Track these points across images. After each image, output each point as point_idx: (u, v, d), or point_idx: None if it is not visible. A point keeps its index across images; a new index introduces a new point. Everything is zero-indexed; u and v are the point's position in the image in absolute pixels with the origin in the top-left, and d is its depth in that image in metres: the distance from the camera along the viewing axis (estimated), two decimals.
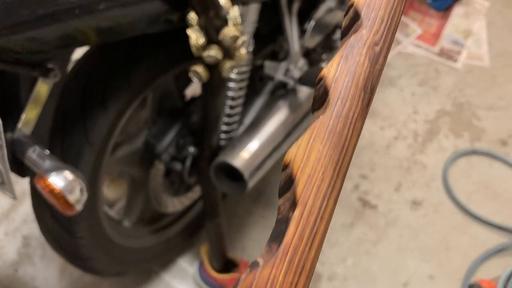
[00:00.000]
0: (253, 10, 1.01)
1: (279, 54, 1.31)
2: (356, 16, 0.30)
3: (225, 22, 0.83)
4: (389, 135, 1.76)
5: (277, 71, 1.19)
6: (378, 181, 1.64)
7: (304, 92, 1.21)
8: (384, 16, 0.31)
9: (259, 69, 1.27)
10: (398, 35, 2.03)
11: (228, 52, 0.85)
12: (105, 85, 0.92)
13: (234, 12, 0.83)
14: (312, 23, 1.29)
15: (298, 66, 1.20)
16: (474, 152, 1.72)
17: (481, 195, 1.63)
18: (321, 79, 0.30)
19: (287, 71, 1.19)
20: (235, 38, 0.82)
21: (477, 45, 2.03)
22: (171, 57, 1.00)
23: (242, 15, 1.01)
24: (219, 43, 0.83)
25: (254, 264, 0.21)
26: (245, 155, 1.03)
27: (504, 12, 2.15)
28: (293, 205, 0.25)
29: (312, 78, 1.16)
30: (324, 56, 1.44)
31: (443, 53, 1.99)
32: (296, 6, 1.18)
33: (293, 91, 1.22)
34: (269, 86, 1.26)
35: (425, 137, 1.76)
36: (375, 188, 1.63)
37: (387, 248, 1.50)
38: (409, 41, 2.02)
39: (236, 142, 1.07)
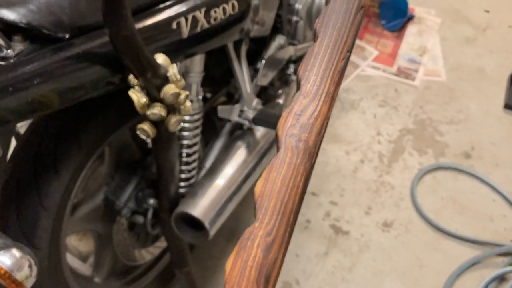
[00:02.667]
0: (198, 60, 1.03)
1: (235, 95, 1.33)
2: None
3: (165, 80, 0.85)
4: (355, 159, 1.78)
5: (232, 114, 1.21)
6: (348, 206, 1.66)
7: (261, 131, 1.23)
8: (276, 205, 0.32)
9: (216, 111, 1.29)
10: (355, 58, 2.09)
11: (173, 108, 0.87)
12: (55, 149, 0.93)
13: (173, 70, 0.85)
14: (263, 62, 1.32)
15: (252, 107, 1.22)
16: (439, 168, 1.76)
17: (449, 210, 1.66)
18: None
19: (241, 112, 1.21)
20: (177, 95, 0.84)
21: (433, 61, 2.09)
22: (120, 113, 1.01)
23: (187, 66, 1.04)
24: (161, 101, 0.85)
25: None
26: (204, 203, 1.04)
27: (454, 27, 2.22)
28: None
29: (266, 117, 1.18)
30: (280, 91, 1.47)
31: (400, 72, 2.04)
32: (243, 49, 1.21)
33: (250, 131, 1.23)
34: (227, 127, 1.28)
35: (390, 157, 1.79)
36: (346, 213, 1.64)
37: (363, 273, 1.51)
38: (367, 63, 2.07)
39: (194, 189, 1.08)
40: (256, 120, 1.18)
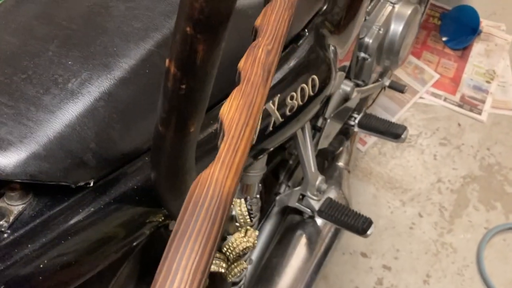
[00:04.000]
0: (262, 157, 0.77)
1: (289, 161, 1.07)
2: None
3: (229, 221, 0.59)
4: (411, 212, 1.53)
5: (291, 199, 0.95)
6: (404, 273, 1.42)
7: (324, 223, 0.97)
8: (273, 27, 0.39)
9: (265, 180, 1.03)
10: (413, 82, 1.79)
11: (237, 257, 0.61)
12: None
13: (240, 208, 0.59)
14: (327, 122, 1.05)
15: (315, 188, 0.96)
16: (510, 228, 1.50)
17: None
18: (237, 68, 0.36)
19: (303, 197, 0.95)
20: (248, 248, 0.58)
21: (503, 90, 1.79)
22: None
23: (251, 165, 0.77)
24: (222, 252, 0.59)
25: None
26: None
27: None
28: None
29: (334, 212, 0.92)
30: (340, 149, 1.20)
31: (464, 102, 1.76)
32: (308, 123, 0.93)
33: (310, 219, 0.98)
34: (278, 207, 1.03)
35: (452, 212, 1.54)
36: (401, 282, 1.40)
37: None
38: (426, 89, 1.78)
39: None
40: (323, 214, 0.92)
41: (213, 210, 0.25)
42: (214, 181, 0.26)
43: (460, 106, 1.75)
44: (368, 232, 0.87)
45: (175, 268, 0.23)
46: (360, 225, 0.88)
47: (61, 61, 0.51)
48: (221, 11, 0.31)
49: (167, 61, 0.34)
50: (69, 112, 0.48)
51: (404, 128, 1.16)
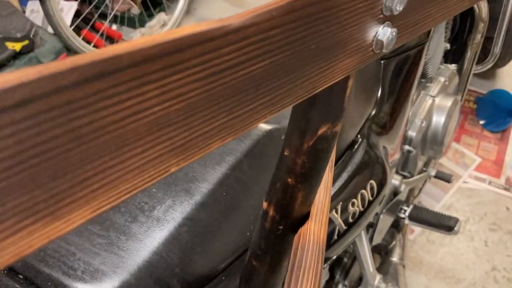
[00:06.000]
0: None
1: (344, 258, 1.07)
2: None
3: None
4: None
5: None
6: None
7: None
8: None
9: None
10: (455, 167, 1.79)
11: None
12: None
13: None
14: (380, 218, 1.06)
15: (374, 287, 0.94)
16: None
17: None
18: None
19: None
20: None
21: None
22: None
23: None
24: None
25: None
26: None
27: None
28: None
29: None
30: (393, 242, 1.19)
31: (511, 185, 1.73)
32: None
33: None
34: None
35: None
36: None
37: None
38: (468, 173, 1.77)
39: None
40: None
41: (316, 252, 0.34)
42: (312, 233, 0.35)
43: (506, 189, 1.73)
44: None
45: None
46: None
47: (146, 188, 0.54)
48: (319, 165, 0.34)
49: (264, 204, 0.37)
50: (156, 240, 0.51)
51: (456, 220, 1.15)
